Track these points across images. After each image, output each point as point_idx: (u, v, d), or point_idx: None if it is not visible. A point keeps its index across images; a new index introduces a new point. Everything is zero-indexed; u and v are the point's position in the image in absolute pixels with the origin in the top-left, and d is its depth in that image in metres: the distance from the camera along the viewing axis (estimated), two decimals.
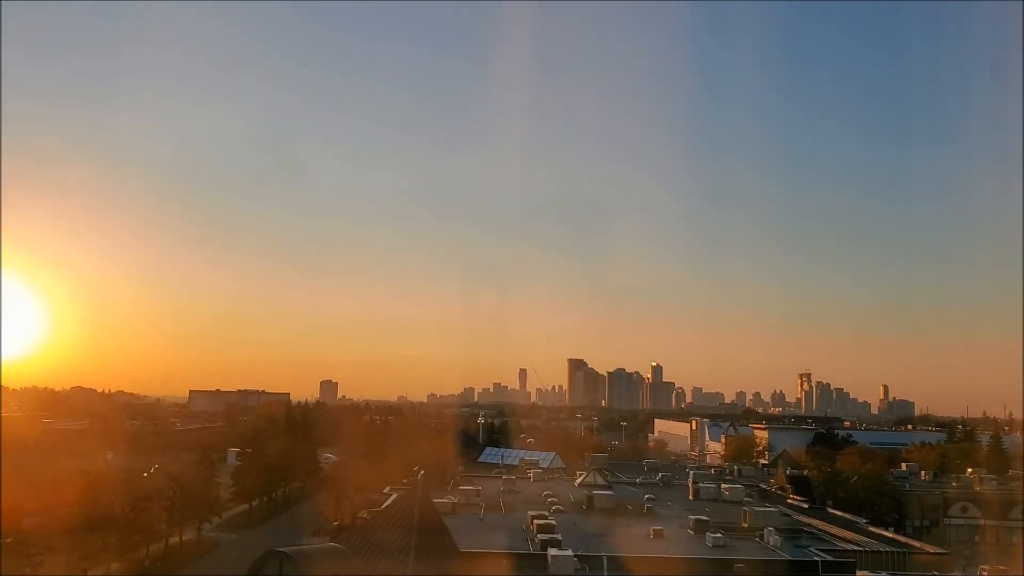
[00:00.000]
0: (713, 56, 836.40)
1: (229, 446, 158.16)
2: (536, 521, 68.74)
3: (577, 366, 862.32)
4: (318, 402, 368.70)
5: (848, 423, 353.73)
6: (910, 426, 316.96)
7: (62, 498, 75.94)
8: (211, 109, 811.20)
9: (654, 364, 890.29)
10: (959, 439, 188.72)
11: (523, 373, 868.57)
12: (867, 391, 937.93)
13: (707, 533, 67.50)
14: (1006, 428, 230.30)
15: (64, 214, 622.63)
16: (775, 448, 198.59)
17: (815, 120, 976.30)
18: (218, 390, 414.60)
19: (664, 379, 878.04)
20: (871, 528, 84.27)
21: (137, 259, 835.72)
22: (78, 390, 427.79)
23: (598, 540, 65.43)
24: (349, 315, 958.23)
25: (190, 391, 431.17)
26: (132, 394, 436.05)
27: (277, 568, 35.27)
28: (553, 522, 69.22)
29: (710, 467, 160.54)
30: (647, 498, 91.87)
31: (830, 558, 61.05)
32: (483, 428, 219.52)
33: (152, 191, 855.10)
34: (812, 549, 64.92)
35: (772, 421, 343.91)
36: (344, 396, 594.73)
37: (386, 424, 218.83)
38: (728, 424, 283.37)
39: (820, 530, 77.13)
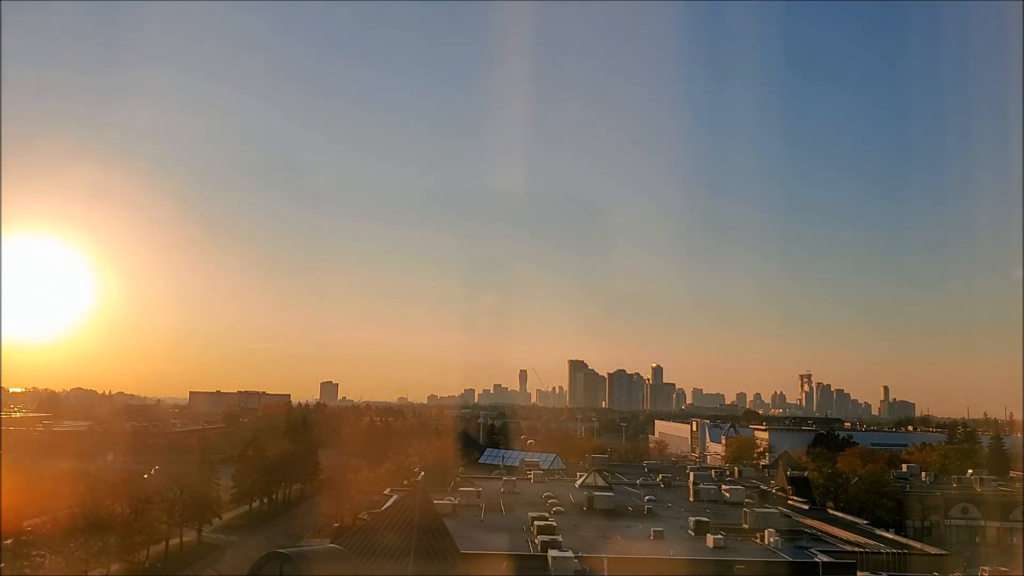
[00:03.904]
0: (714, 62, 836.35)
1: (229, 447, 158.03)
2: (536, 522, 68.65)
3: (577, 367, 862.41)
4: (318, 403, 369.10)
5: (848, 424, 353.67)
6: (911, 427, 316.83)
7: (62, 499, 75.85)
8: (213, 110, 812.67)
9: (654, 365, 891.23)
10: (960, 440, 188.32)
11: (523, 374, 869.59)
12: (868, 392, 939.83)
13: (707, 534, 67.44)
14: (1007, 429, 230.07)
15: (63, 214, 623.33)
16: (775, 449, 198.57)
17: (815, 121, 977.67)
18: (218, 391, 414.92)
19: (664, 380, 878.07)
20: (872, 529, 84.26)
21: (136, 259, 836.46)
22: (78, 391, 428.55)
23: (598, 541, 65.36)
24: (350, 316, 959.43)
25: (190, 392, 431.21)
26: (132, 395, 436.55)
27: (278, 569, 35.37)
28: (553, 523, 69.11)
29: (710, 468, 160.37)
30: (647, 499, 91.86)
31: (831, 559, 60.99)
32: (483, 429, 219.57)
33: (152, 191, 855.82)
34: (813, 550, 64.89)
35: (773, 422, 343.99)
36: (344, 397, 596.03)
37: (386, 425, 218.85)
38: (728, 425, 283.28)
39: (821, 531, 77.12)
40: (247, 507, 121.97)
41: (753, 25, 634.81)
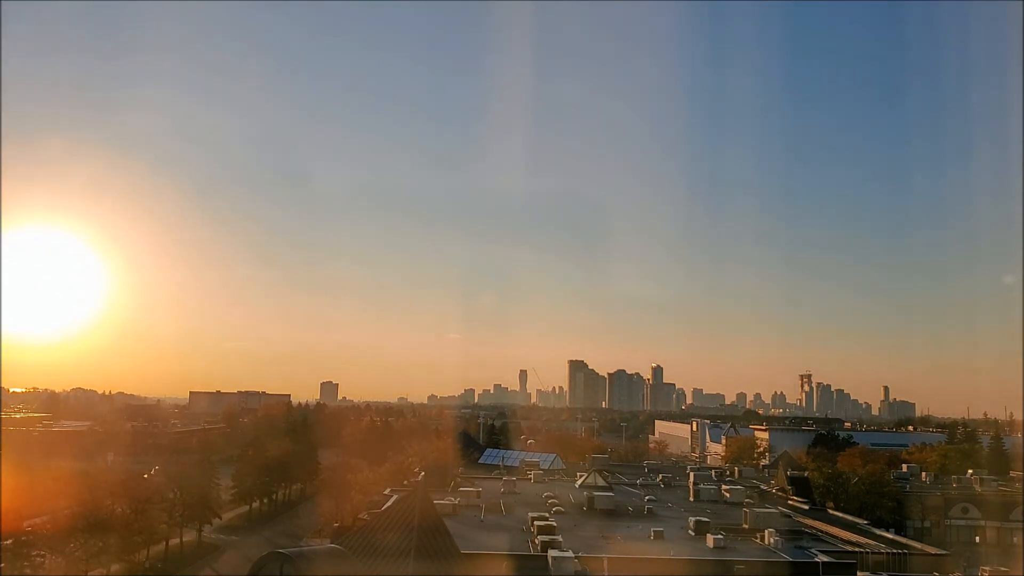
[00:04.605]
0: (713, 63, 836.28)
1: (229, 448, 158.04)
2: (536, 522, 68.61)
3: (578, 367, 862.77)
4: (318, 403, 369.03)
5: (849, 424, 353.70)
6: (911, 427, 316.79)
7: (62, 499, 75.88)
8: (216, 111, 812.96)
9: (654, 365, 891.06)
10: (960, 440, 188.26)
11: (523, 374, 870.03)
12: (868, 392, 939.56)
13: (708, 534, 67.38)
14: (1007, 429, 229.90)
15: (63, 212, 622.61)
16: (776, 449, 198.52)
17: (815, 118, 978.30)
18: (219, 391, 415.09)
19: (665, 380, 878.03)
20: (872, 529, 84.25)
21: (138, 258, 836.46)
22: (78, 391, 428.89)
23: (598, 541, 65.36)
24: (350, 316, 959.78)
25: (190, 392, 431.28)
26: (132, 395, 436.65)
27: (278, 569, 35.30)
28: (554, 523, 69.02)
29: (711, 468, 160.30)
30: (648, 499, 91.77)
31: (831, 559, 60.96)
32: (483, 429, 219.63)
33: (153, 190, 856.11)
34: (813, 550, 64.85)
35: (773, 422, 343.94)
36: (344, 397, 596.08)
37: (386, 425, 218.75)
38: (728, 425, 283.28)
39: (821, 531, 77.06)
40: (247, 507, 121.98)
41: (756, 24, 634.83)
